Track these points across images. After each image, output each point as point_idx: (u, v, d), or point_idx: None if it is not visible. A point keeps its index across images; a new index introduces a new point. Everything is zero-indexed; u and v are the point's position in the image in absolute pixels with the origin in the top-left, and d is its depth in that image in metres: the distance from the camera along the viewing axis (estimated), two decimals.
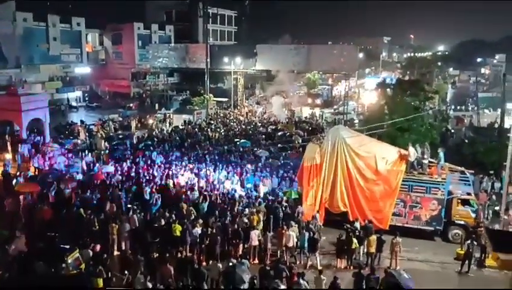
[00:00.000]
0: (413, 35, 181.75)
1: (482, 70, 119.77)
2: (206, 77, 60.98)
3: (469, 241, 19.27)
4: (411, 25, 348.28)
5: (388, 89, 36.86)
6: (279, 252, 19.65)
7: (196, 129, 45.39)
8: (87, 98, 71.89)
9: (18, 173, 27.30)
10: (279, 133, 43.05)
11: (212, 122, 50.00)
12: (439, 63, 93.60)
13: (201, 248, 19.41)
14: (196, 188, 25.58)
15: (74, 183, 25.13)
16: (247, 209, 21.94)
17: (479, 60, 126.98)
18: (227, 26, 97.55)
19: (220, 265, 16.85)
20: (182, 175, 27.95)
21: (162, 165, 29.99)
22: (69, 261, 15.95)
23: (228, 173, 28.61)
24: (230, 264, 16.44)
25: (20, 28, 64.12)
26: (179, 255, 19.15)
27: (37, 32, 66.96)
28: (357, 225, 20.91)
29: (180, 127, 47.12)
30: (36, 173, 28.75)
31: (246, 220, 20.41)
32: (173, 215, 20.41)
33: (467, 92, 78.70)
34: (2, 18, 62.27)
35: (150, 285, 14.84)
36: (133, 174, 28.08)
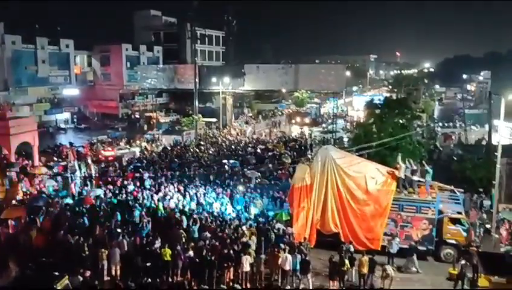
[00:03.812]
0: (399, 53, 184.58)
1: (468, 87, 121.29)
2: (194, 97, 61.11)
3: (463, 262, 19.25)
4: (397, 43, 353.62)
5: (376, 109, 36.98)
6: (274, 275, 19.48)
7: (185, 150, 45.23)
8: (75, 120, 71.58)
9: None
10: (269, 153, 42.96)
11: (201, 142, 49.91)
12: (426, 80, 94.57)
13: (192, 272, 19.15)
14: (186, 210, 25.37)
15: (62, 207, 24.83)
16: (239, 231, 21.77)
17: (464, 76, 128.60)
18: (215, 46, 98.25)
19: None
20: (171, 197, 27.73)
21: (152, 188, 29.78)
22: (59, 288, 15.66)
23: (218, 194, 28.45)
24: None
25: (9, 51, 64.01)
26: (170, 280, 18.90)
27: (26, 55, 66.88)
28: (350, 246, 20.87)
29: (169, 148, 46.95)
30: (24, 197, 28.39)
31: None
32: (161, 239, 20.14)
33: (453, 108, 79.54)
34: None
35: None
36: (122, 197, 27.80)
